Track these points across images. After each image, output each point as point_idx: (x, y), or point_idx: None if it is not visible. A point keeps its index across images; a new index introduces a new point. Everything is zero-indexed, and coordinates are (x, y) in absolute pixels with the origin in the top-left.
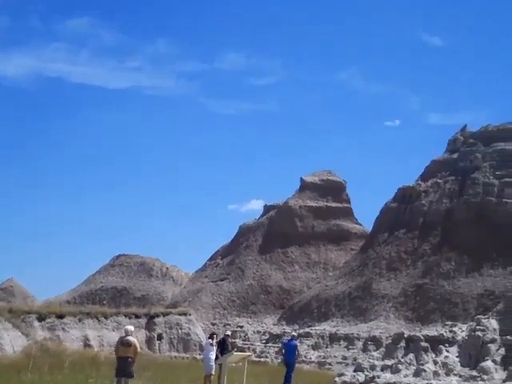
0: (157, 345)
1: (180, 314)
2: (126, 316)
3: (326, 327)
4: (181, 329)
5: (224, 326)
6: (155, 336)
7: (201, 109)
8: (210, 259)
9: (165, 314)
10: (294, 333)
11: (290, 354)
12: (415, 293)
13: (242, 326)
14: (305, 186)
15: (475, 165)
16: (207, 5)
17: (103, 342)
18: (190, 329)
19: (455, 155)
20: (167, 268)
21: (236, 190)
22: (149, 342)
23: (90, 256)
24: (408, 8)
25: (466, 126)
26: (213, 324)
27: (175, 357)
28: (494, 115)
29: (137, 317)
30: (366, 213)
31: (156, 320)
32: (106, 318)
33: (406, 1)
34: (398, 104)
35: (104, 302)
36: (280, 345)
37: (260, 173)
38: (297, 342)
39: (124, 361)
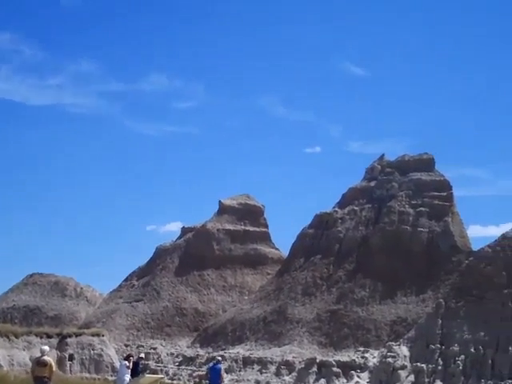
0: (68, 365)
1: (93, 335)
2: (37, 335)
3: (240, 350)
4: (93, 349)
5: (137, 347)
6: (66, 356)
7: (123, 129)
8: (126, 280)
9: (77, 335)
10: (219, 357)
11: (214, 377)
12: (329, 318)
13: (155, 348)
14: (223, 210)
15: (391, 193)
16: (132, 25)
17: (13, 361)
18: (102, 350)
19: (372, 183)
20: (81, 288)
21: (155, 211)
22: (60, 362)
23: (2, 274)
24: (330, 37)
25: (383, 155)
26: (126, 345)
27: (86, 378)
28: (411, 146)
29: (48, 336)
30: (283, 238)
31: (68, 340)
32: (16, 337)
33: (329, 30)
34: (320, 131)
35: (16, 321)
36: (205, 369)
37: (179, 195)
38: (222, 366)
39: (40, 380)
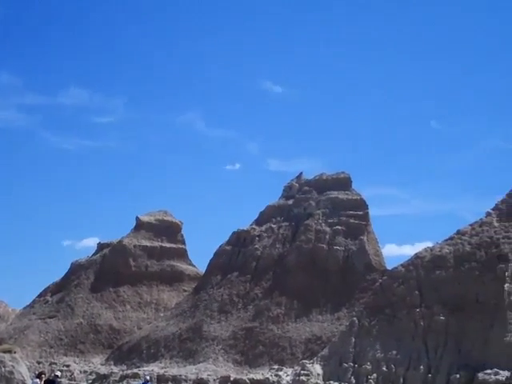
0: None
1: (4, 352)
2: None
3: (155, 368)
4: (4, 367)
5: (50, 364)
6: None
7: (41, 143)
8: (40, 296)
9: None
10: (147, 377)
11: None
12: (245, 336)
13: (68, 366)
14: (140, 226)
15: (309, 212)
16: (52, 38)
17: None
18: (13, 367)
19: (290, 201)
20: None
21: (71, 226)
22: None
23: None
24: (251, 56)
25: (301, 173)
26: (38, 363)
27: None
28: (329, 165)
29: None
30: (201, 255)
31: None
32: None
33: (249, 49)
34: (240, 148)
35: None
36: None
37: (97, 210)
38: None
39: None
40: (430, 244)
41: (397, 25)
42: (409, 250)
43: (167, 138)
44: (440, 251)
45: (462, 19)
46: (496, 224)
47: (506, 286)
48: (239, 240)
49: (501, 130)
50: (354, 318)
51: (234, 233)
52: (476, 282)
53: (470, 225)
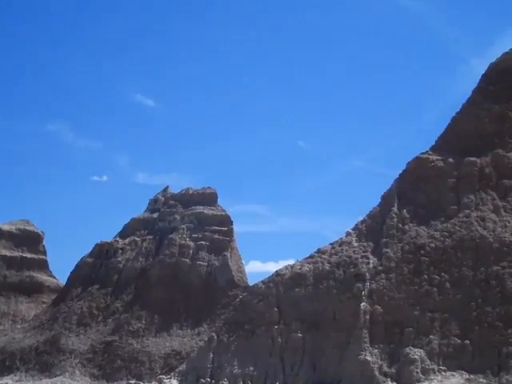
0: None
1: None
2: None
3: (9, 381)
4: None
5: None
6: None
7: None
8: None
9: None
10: None
11: None
12: (104, 350)
13: None
14: (0, 235)
15: (174, 226)
16: None
17: None
18: None
19: (155, 215)
20: None
21: None
22: None
23: None
24: (122, 68)
25: (168, 187)
26: None
27: None
28: (196, 180)
29: None
30: (63, 266)
31: None
32: None
33: (121, 61)
34: (108, 160)
35: None
36: None
37: None
38: None
39: None
40: (293, 261)
41: (268, 48)
42: (273, 267)
43: (34, 146)
44: (300, 269)
45: (332, 45)
46: (355, 244)
47: (363, 304)
48: (102, 252)
49: (364, 152)
50: (213, 334)
51: (96, 245)
52: (334, 301)
53: (331, 244)
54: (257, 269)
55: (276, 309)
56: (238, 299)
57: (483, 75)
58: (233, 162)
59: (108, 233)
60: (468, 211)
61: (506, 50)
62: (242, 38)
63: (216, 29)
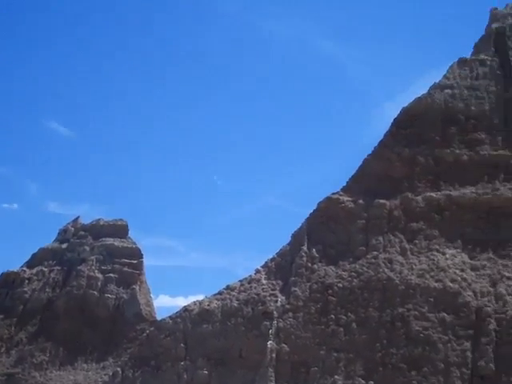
0: None
1: None
2: None
3: None
4: None
5: None
6: None
7: None
8: None
9: None
10: None
11: None
12: (6, 382)
13: None
14: None
15: (83, 257)
16: None
17: None
18: None
19: (64, 245)
20: None
21: None
22: None
23: None
24: (37, 95)
25: (78, 217)
26: None
27: None
28: (108, 211)
29: None
30: None
31: None
32: None
33: (35, 87)
34: (19, 188)
35: None
36: None
37: None
38: None
39: None
40: (202, 297)
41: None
42: (182, 302)
43: None
44: (208, 305)
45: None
46: (264, 281)
47: (269, 343)
48: (8, 281)
49: (277, 189)
50: (118, 369)
51: (2, 274)
52: (241, 338)
53: (240, 281)
54: (166, 303)
55: (183, 345)
56: (144, 334)
57: (395, 119)
58: (146, 194)
59: (16, 262)
60: (376, 253)
61: (418, 95)
62: (150, 69)
63: (126, 63)
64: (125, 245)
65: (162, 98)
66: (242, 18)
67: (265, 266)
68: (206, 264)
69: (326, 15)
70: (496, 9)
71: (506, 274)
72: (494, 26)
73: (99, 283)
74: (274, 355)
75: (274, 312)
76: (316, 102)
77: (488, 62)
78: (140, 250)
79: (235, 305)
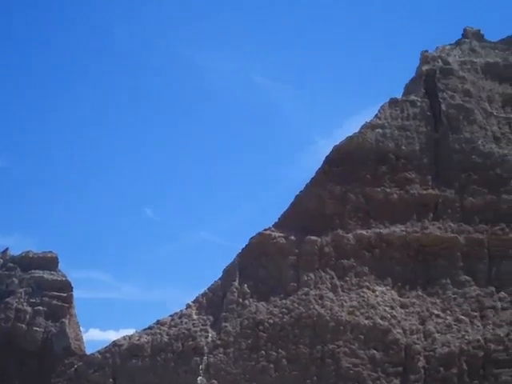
0: None
1: None
2: None
3: None
4: None
5: None
6: None
7: None
8: None
9: None
10: None
11: None
12: None
13: None
14: None
15: (11, 289)
16: None
17: None
18: None
19: None
20: None
21: None
22: None
23: None
24: None
25: (7, 249)
26: None
27: None
28: (39, 242)
29: None
30: None
31: None
32: None
33: None
34: None
35: None
36: None
37: None
38: None
39: None
40: (133, 331)
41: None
42: (113, 336)
43: None
44: (138, 340)
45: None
46: (195, 317)
47: (199, 379)
48: None
49: (211, 224)
50: None
51: None
52: (170, 373)
53: (171, 316)
54: (96, 337)
55: (111, 380)
56: (73, 368)
57: (327, 157)
58: (77, 226)
59: None
60: (307, 289)
61: (350, 134)
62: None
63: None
64: (54, 277)
65: (94, 131)
66: (177, 53)
67: (196, 301)
68: (138, 298)
69: (264, 53)
70: (426, 51)
71: (435, 312)
72: (425, 68)
73: (27, 316)
74: None
75: (205, 347)
76: (251, 137)
77: (418, 103)
78: (70, 283)
79: (165, 340)
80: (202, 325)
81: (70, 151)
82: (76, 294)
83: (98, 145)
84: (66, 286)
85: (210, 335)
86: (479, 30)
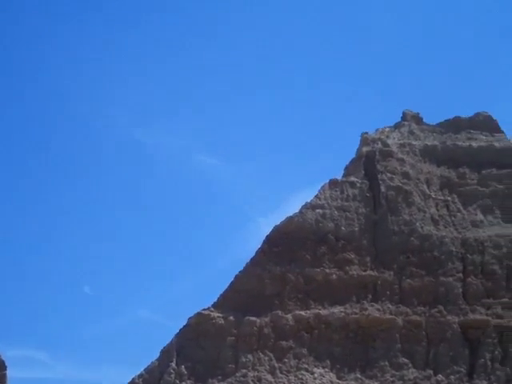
0: None
1: None
2: None
3: None
4: None
5: None
6: None
7: None
8: None
9: None
10: None
11: None
12: None
13: None
14: None
15: None
16: None
17: None
18: None
19: None
20: None
21: None
22: None
23: None
24: None
25: None
26: None
27: None
28: None
29: None
30: None
31: None
32: None
33: None
34: None
35: None
36: None
37: None
38: None
39: None
40: None
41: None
42: None
43: None
44: None
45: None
46: None
47: None
48: None
49: (150, 302)
50: None
51: None
52: None
53: None
54: None
55: None
56: None
57: (267, 237)
58: (10, 304)
59: None
60: (245, 371)
61: (290, 213)
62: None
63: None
64: None
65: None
66: (126, 133)
67: (132, 382)
68: (73, 377)
69: (210, 132)
70: (366, 133)
71: None
72: (364, 149)
73: None
74: None
75: None
76: (194, 215)
77: (358, 185)
78: (4, 362)
79: None
80: None
81: (5, 228)
82: (10, 372)
83: (35, 221)
84: (0, 365)
85: None
86: (418, 113)
